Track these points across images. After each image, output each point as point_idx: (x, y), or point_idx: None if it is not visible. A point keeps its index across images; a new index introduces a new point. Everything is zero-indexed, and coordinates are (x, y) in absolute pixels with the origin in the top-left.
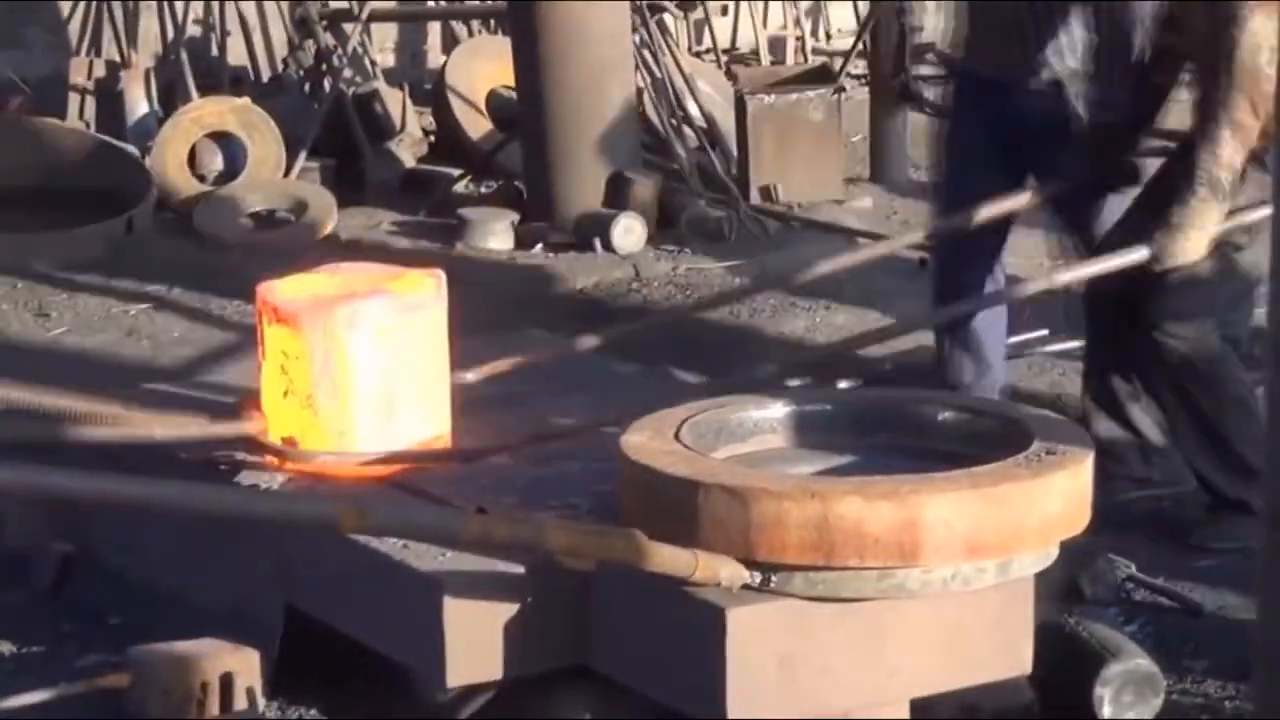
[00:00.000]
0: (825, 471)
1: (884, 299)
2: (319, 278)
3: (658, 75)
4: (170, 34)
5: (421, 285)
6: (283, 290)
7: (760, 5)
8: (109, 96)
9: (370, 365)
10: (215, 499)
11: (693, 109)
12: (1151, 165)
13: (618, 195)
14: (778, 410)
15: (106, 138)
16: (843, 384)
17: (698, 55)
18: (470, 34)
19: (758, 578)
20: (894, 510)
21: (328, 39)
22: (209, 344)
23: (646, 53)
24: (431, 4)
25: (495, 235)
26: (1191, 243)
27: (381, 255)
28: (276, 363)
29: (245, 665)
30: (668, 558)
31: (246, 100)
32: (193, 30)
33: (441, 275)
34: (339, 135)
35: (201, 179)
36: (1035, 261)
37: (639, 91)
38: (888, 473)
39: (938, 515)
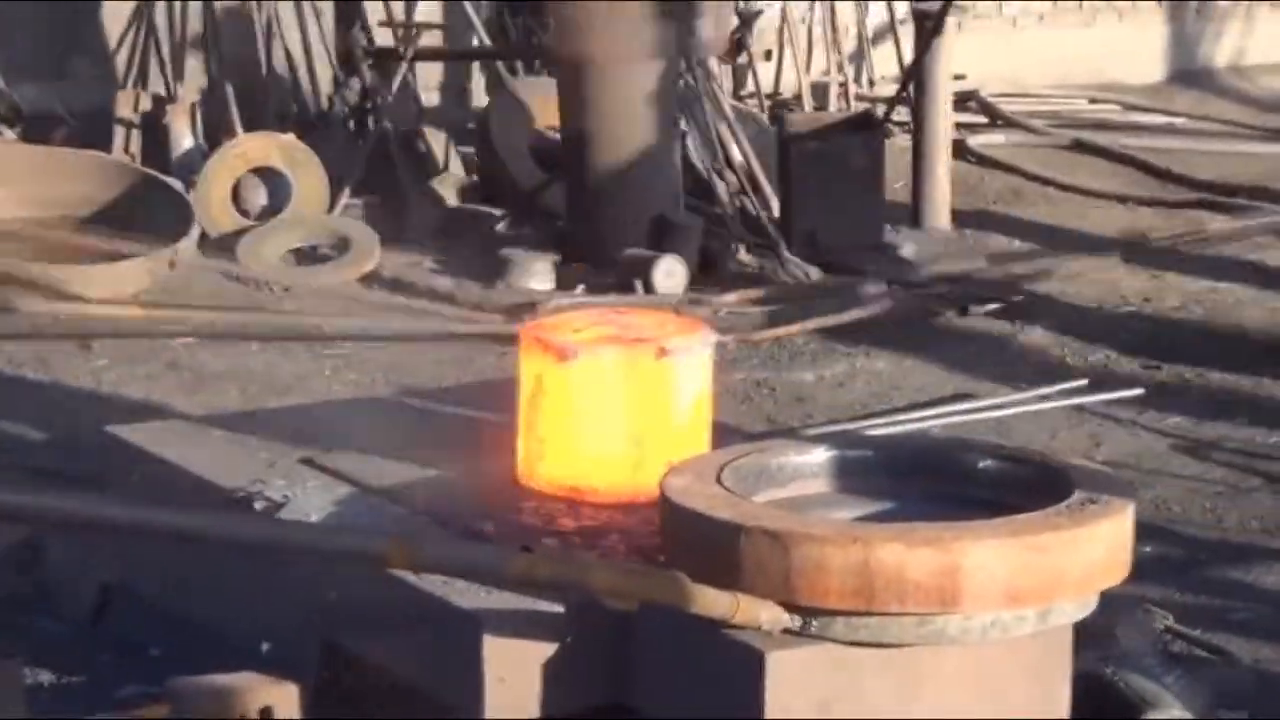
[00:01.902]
0: (865, 517)
1: (923, 347)
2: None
3: (701, 120)
4: (216, 69)
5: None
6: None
7: (804, 51)
8: (154, 130)
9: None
10: (260, 530)
11: (734, 153)
12: None
13: (660, 238)
14: (818, 455)
15: (151, 171)
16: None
17: (741, 100)
18: (514, 74)
19: (798, 622)
20: (936, 556)
21: (373, 76)
22: (252, 378)
23: (690, 96)
24: (477, 44)
25: (536, 275)
26: None
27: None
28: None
29: (284, 699)
30: (709, 599)
31: (291, 136)
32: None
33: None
34: (383, 173)
35: (245, 214)
36: None
37: (682, 134)
38: (928, 519)
39: (979, 562)
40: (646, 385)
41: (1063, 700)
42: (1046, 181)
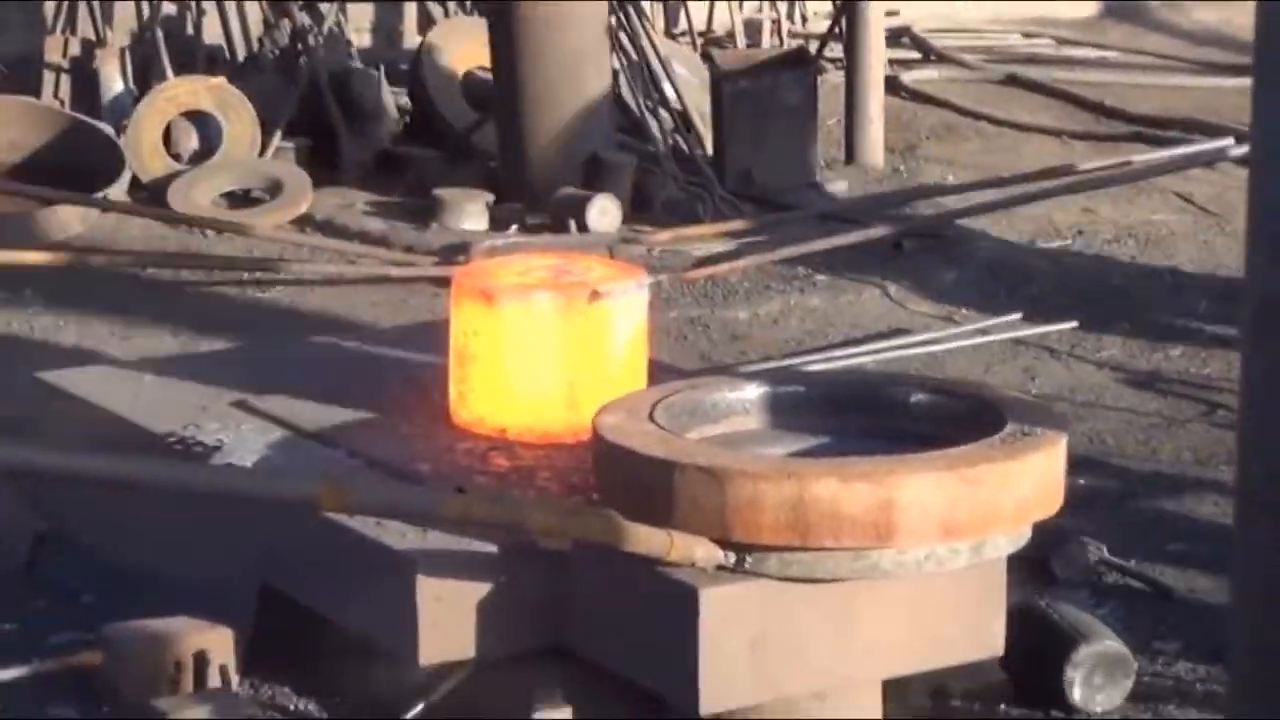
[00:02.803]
0: (799, 453)
1: (857, 283)
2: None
3: (633, 58)
4: (145, 12)
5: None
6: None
7: None
8: (84, 75)
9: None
10: (194, 477)
11: (668, 91)
12: None
13: (593, 177)
14: (751, 391)
15: (81, 116)
16: None
17: (673, 38)
18: (446, 14)
19: (732, 558)
20: (870, 491)
21: (304, 18)
22: (185, 322)
23: (623, 35)
24: None
25: (470, 216)
26: None
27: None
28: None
29: (219, 643)
30: (644, 538)
31: (222, 79)
32: (168, 9)
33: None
34: (314, 115)
35: (176, 158)
36: None
37: (615, 74)
38: (862, 454)
39: (913, 496)
40: (580, 330)
41: (997, 633)
42: (980, 116)
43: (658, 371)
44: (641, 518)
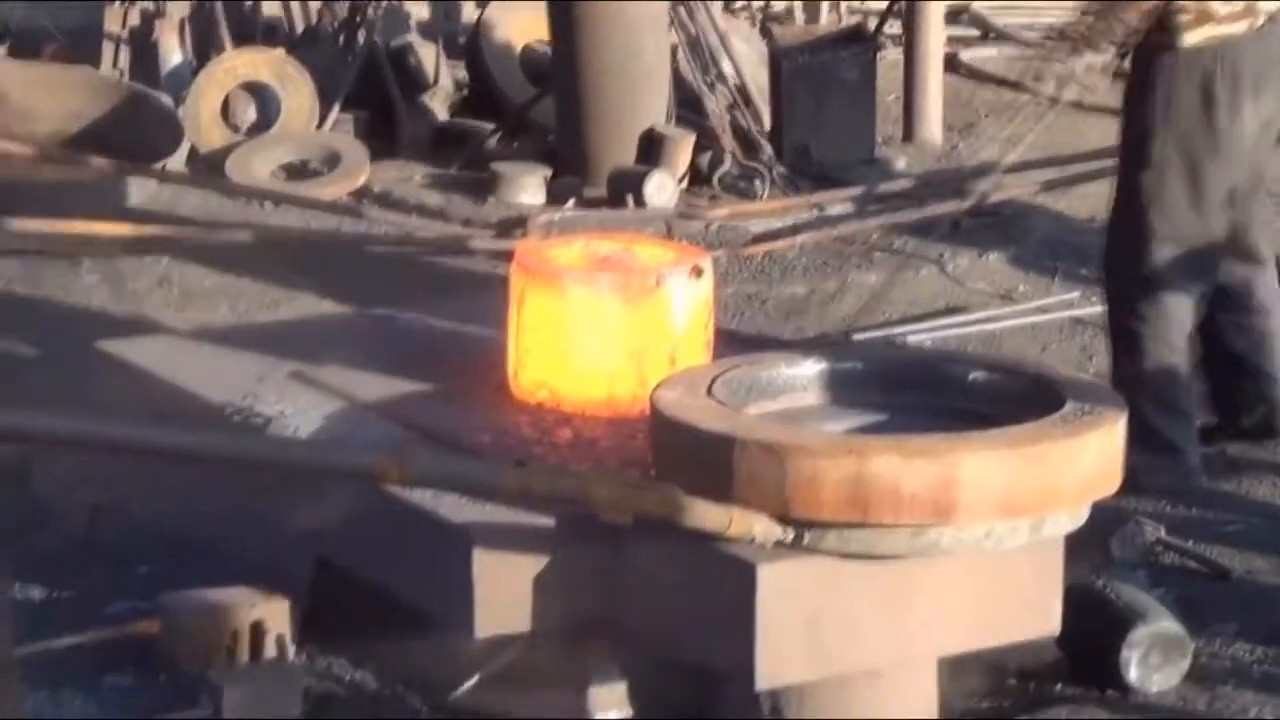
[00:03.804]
0: (858, 429)
1: (914, 260)
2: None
3: (692, 33)
4: None
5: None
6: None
7: None
8: (143, 46)
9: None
10: (254, 449)
11: (727, 67)
12: None
13: (651, 152)
14: (809, 367)
15: (140, 87)
16: None
17: (732, 13)
18: None
19: (791, 534)
20: (931, 468)
21: None
22: (242, 293)
23: (681, 10)
24: None
25: (527, 190)
26: None
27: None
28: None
29: (276, 614)
30: (703, 513)
31: (281, 51)
32: None
33: None
34: (373, 88)
35: (235, 129)
36: None
37: (673, 49)
38: (920, 431)
39: (974, 473)
40: (641, 312)
41: (1054, 612)
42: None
43: (727, 342)
44: (699, 493)
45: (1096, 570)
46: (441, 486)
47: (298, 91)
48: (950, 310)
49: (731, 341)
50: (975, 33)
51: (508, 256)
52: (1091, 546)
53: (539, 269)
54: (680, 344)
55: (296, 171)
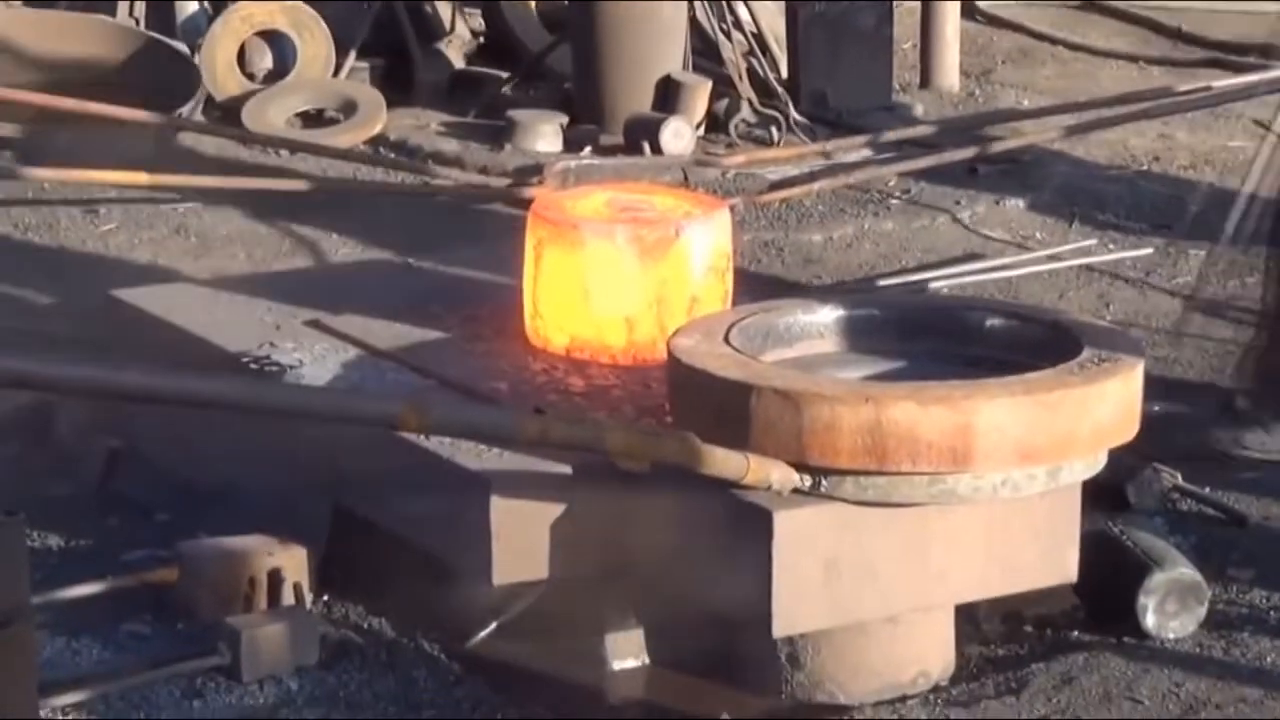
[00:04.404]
0: (874, 377)
1: (931, 207)
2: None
3: None
4: None
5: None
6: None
7: None
8: None
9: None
10: (273, 395)
11: (743, 14)
12: None
13: (667, 99)
14: (826, 315)
15: (156, 35)
16: None
17: None
18: None
19: (808, 481)
20: (948, 415)
21: None
22: (258, 241)
23: None
24: None
25: (544, 138)
26: None
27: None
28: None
29: (293, 561)
30: (721, 460)
31: None
32: None
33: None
34: (389, 36)
35: (251, 77)
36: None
37: None
38: (937, 378)
39: (991, 420)
40: (660, 262)
41: (1071, 559)
42: (1056, 41)
43: (744, 289)
44: (716, 441)
45: (1113, 517)
46: (459, 434)
47: (313, 39)
48: (967, 257)
49: (748, 288)
50: None
51: (525, 204)
52: (1108, 493)
53: (556, 219)
54: (699, 293)
55: (313, 120)
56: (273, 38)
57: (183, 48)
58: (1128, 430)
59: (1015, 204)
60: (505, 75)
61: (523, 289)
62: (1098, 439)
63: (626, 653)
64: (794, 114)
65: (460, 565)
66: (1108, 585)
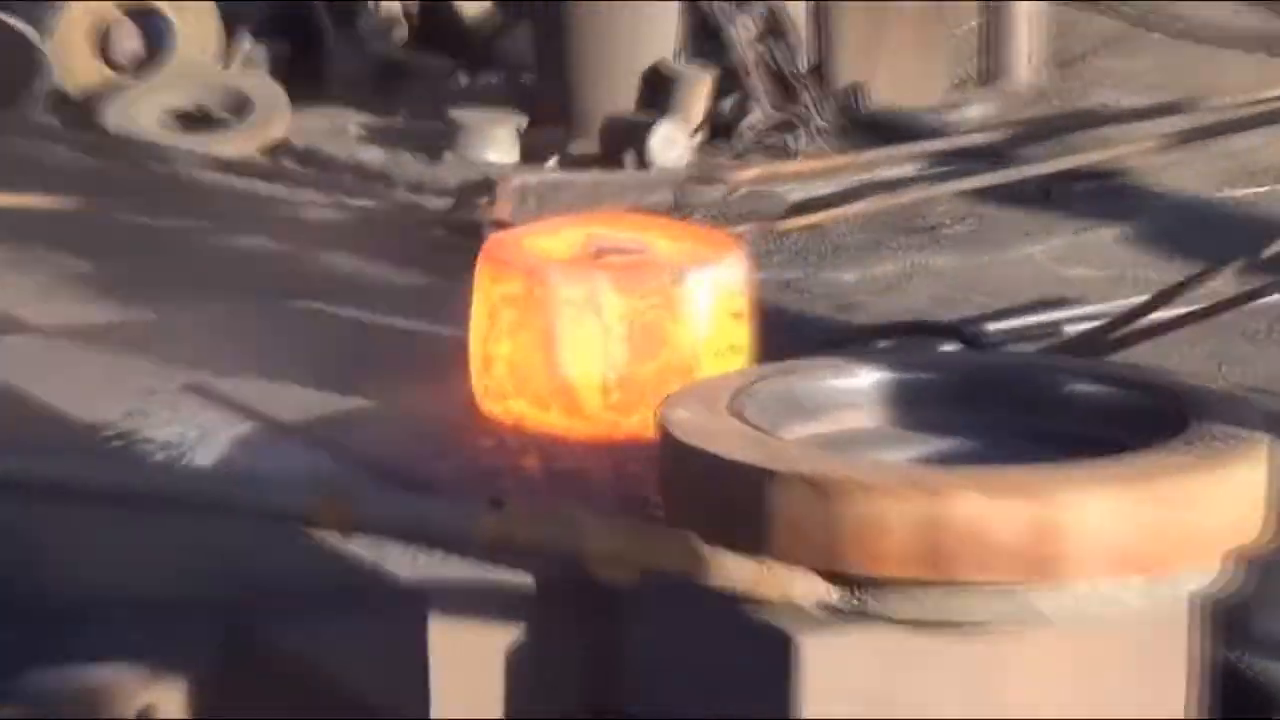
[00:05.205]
0: (928, 459)
1: (996, 241)
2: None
3: None
4: None
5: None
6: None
7: None
8: None
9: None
10: (148, 482)
11: None
12: None
13: (656, 96)
14: (864, 378)
15: None
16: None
17: None
18: None
19: (844, 596)
20: (1028, 509)
21: None
22: (120, 280)
23: None
24: None
25: (496, 145)
26: None
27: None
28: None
29: (169, 696)
30: (729, 568)
31: None
32: None
33: None
34: (294, 13)
35: (114, 66)
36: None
37: None
38: (1011, 461)
39: (1084, 517)
40: (646, 317)
41: (1179, 694)
42: (1157, 25)
43: (760, 339)
44: (720, 541)
45: (1234, 643)
46: (390, 533)
47: (196, 17)
48: (1043, 303)
49: (762, 343)
50: None
51: (471, 231)
52: (1229, 611)
53: (516, 264)
54: (705, 356)
55: (194, 121)
56: (143, 16)
57: (25, 26)
58: (1252, 529)
59: (1104, 235)
60: (447, 64)
61: (469, 343)
62: (1215, 540)
63: None
64: (820, 115)
65: (390, 706)
66: None
